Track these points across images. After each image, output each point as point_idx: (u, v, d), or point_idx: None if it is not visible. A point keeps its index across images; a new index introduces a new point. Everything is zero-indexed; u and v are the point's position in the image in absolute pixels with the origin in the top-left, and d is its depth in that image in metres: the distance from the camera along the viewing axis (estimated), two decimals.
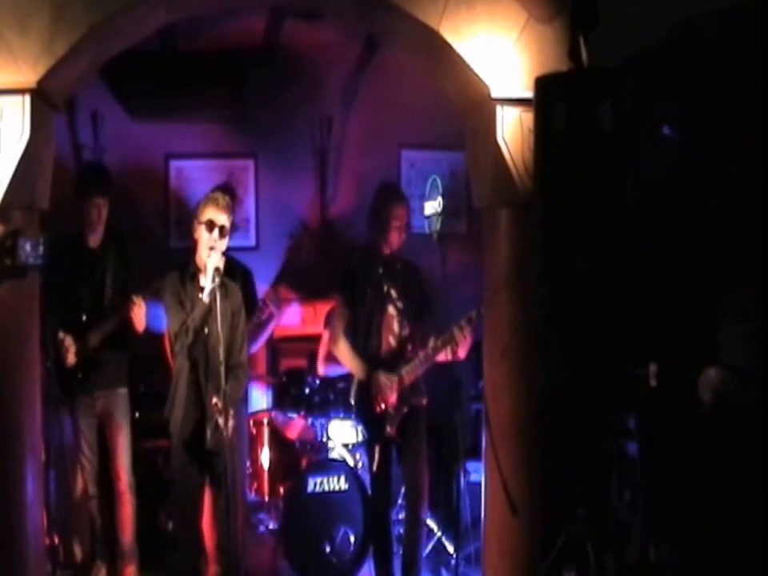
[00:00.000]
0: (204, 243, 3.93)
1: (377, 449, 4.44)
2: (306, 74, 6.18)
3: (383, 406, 4.37)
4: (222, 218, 3.94)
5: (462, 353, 4.38)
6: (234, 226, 4.83)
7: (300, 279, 5.45)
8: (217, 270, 3.83)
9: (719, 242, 3.64)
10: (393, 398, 4.37)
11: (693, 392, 3.44)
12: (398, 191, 4.79)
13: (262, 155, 6.28)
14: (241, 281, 4.61)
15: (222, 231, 3.93)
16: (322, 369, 5.46)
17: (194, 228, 3.98)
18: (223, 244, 3.96)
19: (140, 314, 4.40)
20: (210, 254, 3.89)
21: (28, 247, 2.26)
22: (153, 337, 4.65)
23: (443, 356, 4.45)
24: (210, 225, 3.92)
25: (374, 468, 4.47)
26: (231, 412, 3.79)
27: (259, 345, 5.07)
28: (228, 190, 4.94)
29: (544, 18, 4.04)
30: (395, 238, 4.52)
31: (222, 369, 3.70)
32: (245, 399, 4.51)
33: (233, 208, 4.79)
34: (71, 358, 4.43)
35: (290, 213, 6.32)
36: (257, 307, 4.77)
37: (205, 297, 3.84)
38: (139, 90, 5.73)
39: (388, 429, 4.38)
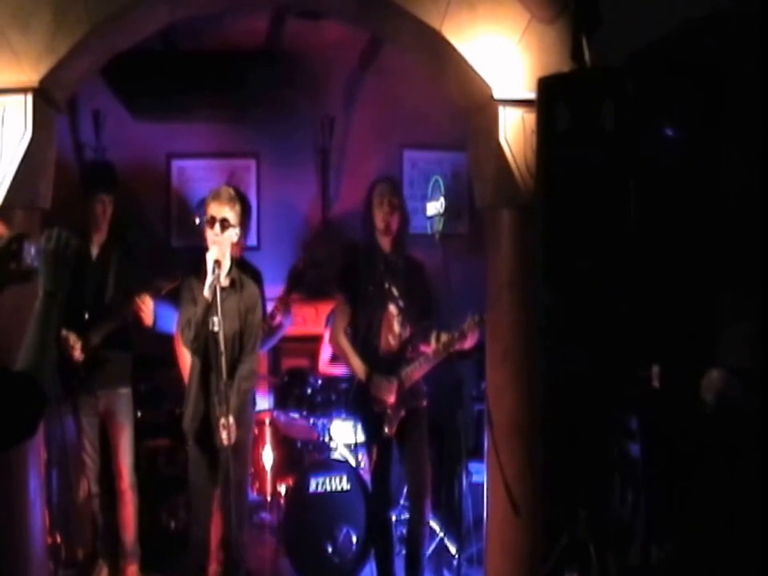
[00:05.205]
0: (209, 239, 3.93)
1: (375, 449, 4.44)
2: (308, 73, 6.20)
3: (381, 406, 4.36)
4: (223, 211, 3.90)
5: (468, 343, 4.34)
6: (244, 227, 4.86)
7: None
8: (217, 262, 3.81)
9: (721, 243, 3.64)
10: (391, 399, 4.36)
11: (695, 393, 3.44)
12: (383, 176, 4.71)
13: (264, 155, 6.29)
14: None
15: (224, 224, 3.89)
16: (322, 369, 5.46)
17: (201, 227, 3.98)
18: (226, 237, 3.93)
19: (147, 309, 4.40)
20: (211, 248, 3.89)
21: (33, 251, 2.26)
22: (156, 336, 4.65)
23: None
24: (212, 220, 3.90)
25: (372, 468, 4.47)
26: (234, 404, 3.78)
27: (264, 349, 5.07)
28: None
29: (546, 19, 4.04)
30: (380, 217, 4.41)
31: (224, 363, 3.69)
32: (252, 399, 4.50)
33: (246, 216, 4.83)
34: (78, 355, 4.43)
35: (292, 212, 6.35)
36: (264, 311, 4.76)
37: (205, 291, 3.83)
38: (141, 89, 5.74)
39: (387, 429, 4.37)
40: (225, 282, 3.94)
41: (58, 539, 4.53)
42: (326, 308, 5.69)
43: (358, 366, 4.44)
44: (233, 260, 4.04)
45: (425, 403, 4.52)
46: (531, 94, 3.76)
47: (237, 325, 3.96)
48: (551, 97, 3.59)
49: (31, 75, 3.65)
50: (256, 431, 5.11)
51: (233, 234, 3.95)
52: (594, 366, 3.48)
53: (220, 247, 3.88)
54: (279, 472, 5.21)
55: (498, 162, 4.07)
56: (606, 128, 3.50)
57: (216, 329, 3.78)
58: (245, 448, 4.19)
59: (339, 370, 5.26)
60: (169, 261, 4.85)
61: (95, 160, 5.75)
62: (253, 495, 5.21)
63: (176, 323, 4.06)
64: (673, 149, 3.89)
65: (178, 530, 4.95)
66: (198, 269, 4.02)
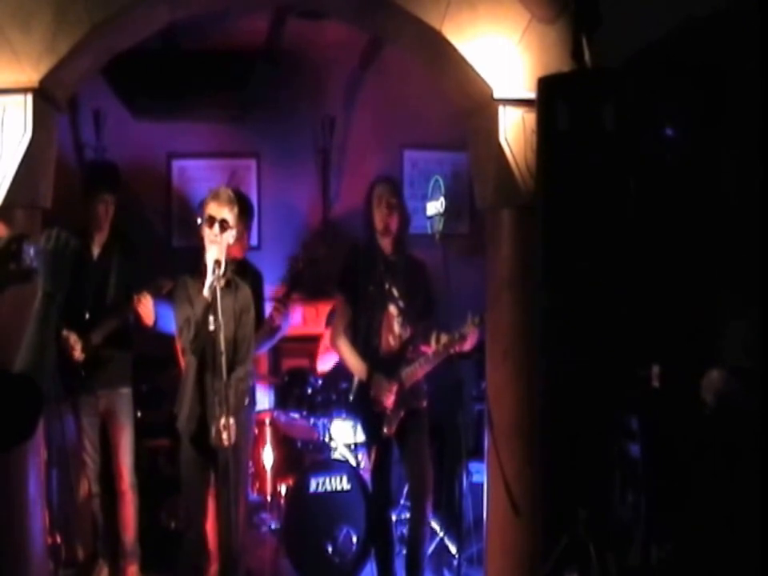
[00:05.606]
0: (207, 239, 3.93)
1: (375, 449, 4.44)
2: (309, 73, 6.20)
3: (381, 406, 4.35)
4: (223, 212, 3.91)
5: (468, 345, 4.34)
6: (247, 228, 4.88)
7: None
8: (217, 262, 3.81)
9: (720, 243, 3.64)
10: (390, 400, 4.35)
11: (695, 393, 3.44)
12: (382, 176, 4.72)
13: (265, 155, 6.29)
14: (250, 283, 4.60)
15: (223, 225, 3.90)
16: (320, 368, 5.46)
17: (200, 227, 3.98)
18: (226, 238, 3.93)
19: (147, 309, 4.40)
20: (210, 248, 3.89)
21: (32, 251, 2.26)
22: (157, 336, 4.65)
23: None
24: (211, 220, 3.90)
25: (372, 468, 4.47)
26: (233, 404, 3.79)
27: (261, 351, 5.06)
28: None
29: (547, 19, 4.04)
30: (379, 218, 4.43)
31: (224, 363, 3.69)
32: (252, 399, 4.50)
33: (248, 216, 4.85)
34: (78, 355, 4.43)
35: (293, 212, 6.34)
36: (264, 311, 4.75)
37: (205, 291, 3.83)
38: (142, 89, 5.74)
39: (386, 429, 4.36)
40: (221, 282, 3.94)
41: (58, 539, 4.54)
42: (325, 308, 5.69)
43: (359, 366, 4.43)
44: (228, 261, 4.04)
45: (425, 403, 4.51)
46: (531, 94, 3.76)
47: (233, 325, 3.96)
48: (551, 97, 3.59)
49: (31, 75, 3.65)
50: (256, 431, 5.11)
51: (230, 235, 3.95)
52: (594, 365, 3.48)
53: (219, 247, 3.89)
54: (279, 472, 5.20)
55: (499, 162, 4.07)
56: (606, 128, 3.50)
57: (213, 328, 3.79)
58: (243, 449, 4.19)
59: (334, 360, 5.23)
60: (170, 261, 4.84)
61: (98, 160, 5.76)
62: (253, 495, 5.21)
63: (175, 323, 4.06)
64: (673, 149, 3.89)
65: (178, 530, 4.94)
66: (192, 268, 4.03)
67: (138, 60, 5.15)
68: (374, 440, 4.45)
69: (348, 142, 6.40)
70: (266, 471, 5.22)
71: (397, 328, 4.48)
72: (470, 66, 4.02)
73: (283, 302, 4.71)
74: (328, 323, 5.39)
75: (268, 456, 5.23)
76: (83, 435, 4.61)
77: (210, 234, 3.90)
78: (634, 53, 3.81)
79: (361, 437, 5.00)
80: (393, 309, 4.47)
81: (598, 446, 3.58)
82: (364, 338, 4.46)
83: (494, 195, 4.19)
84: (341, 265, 4.67)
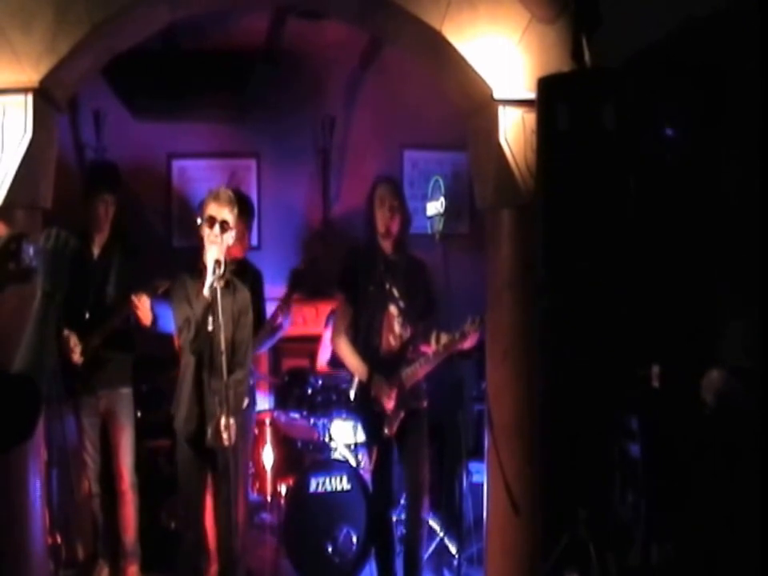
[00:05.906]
0: (207, 239, 3.93)
1: (375, 449, 4.44)
2: (309, 73, 6.20)
3: (382, 407, 4.35)
4: (223, 213, 3.91)
5: (468, 344, 4.33)
6: (249, 228, 4.88)
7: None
8: (217, 262, 3.81)
9: (720, 243, 3.64)
10: (391, 402, 4.34)
11: (695, 393, 3.44)
12: (384, 176, 4.72)
13: (265, 155, 6.29)
14: (251, 282, 4.61)
15: (223, 226, 3.90)
16: (321, 360, 5.47)
17: (199, 226, 3.98)
18: (226, 239, 3.94)
19: (144, 309, 4.39)
20: (210, 248, 3.89)
21: (32, 251, 2.26)
22: (157, 336, 4.65)
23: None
24: (211, 220, 3.90)
25: (373, 468, 4.47)
26: (231, 403, 3.79)
27: (262, 350, 5.07)
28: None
29: (547, 19, 4.04)
30: (381, 221, 4.42)
31: (224, 364, 3.69)
32: (252, 400, 4.50)
33: (249, 216, 4.86)
34: (77, 358, 4.43)
35: (292, 212, 6.35)
36: (264, 311, 4.75)
37: (205, 291, 3.83)
38: (142, 89, 5.75)
39: (386, 430, 4.36)
40: (221, 282, 3.94)
41: (58, 539, 4.53)
42: (326, 308, 5.69)
43: (359, 367, 4.43)
44: (228, 261, 4.04)
45: (425, 404, 4.50)
46: (531, 94, 3.76)
47: (231, 326, 3.96)
48: (551, 97, 3.59)
49: (32, 75, 3.65)
50: (256, 431, 5.11)
51: (230, 235, 3.95)
52: (594, 365, 3.48)
53: (219, 247, 3.89)
54: (279, 472, 5.21)
55: (499, 162, 4.07)
56: (606, 128, 3.50)
57: (212, 329, 3.79)
58: (242, 449, 4.19)
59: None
60: (170, 261, 4.84)
61: (98, 160, 5.76)
62: (253, 495, 5.21)
63: (173, 322, 4.06)
64: (673, 149, 3.89)
65: (178, 530, 4.93)
66: (191, 268, 4.03)
67: (138, 60, 5.14)
68: (375, 440, 4.45)
69: (348, 142, 6.40)
70: (265, 471, 5.22)
71: (397, 328, 4.48)
72: (470, 66, 4.03)
73: (286, 302, 4.72)
74: (328, 323, 5.39)
75: (268, 456, 5.23)
76: (84, 435, 4.61)
77: (210, 235, 3.90)
78: (634, 53, 3.81)
79: (361, 437, 5.00)
80: (393, 309, 4.47)
81: (598, 446, 3.58)
82: (364, 338, 4.45)
83: (494, 195, 4.19)
84: (341, 265, 4.66)
